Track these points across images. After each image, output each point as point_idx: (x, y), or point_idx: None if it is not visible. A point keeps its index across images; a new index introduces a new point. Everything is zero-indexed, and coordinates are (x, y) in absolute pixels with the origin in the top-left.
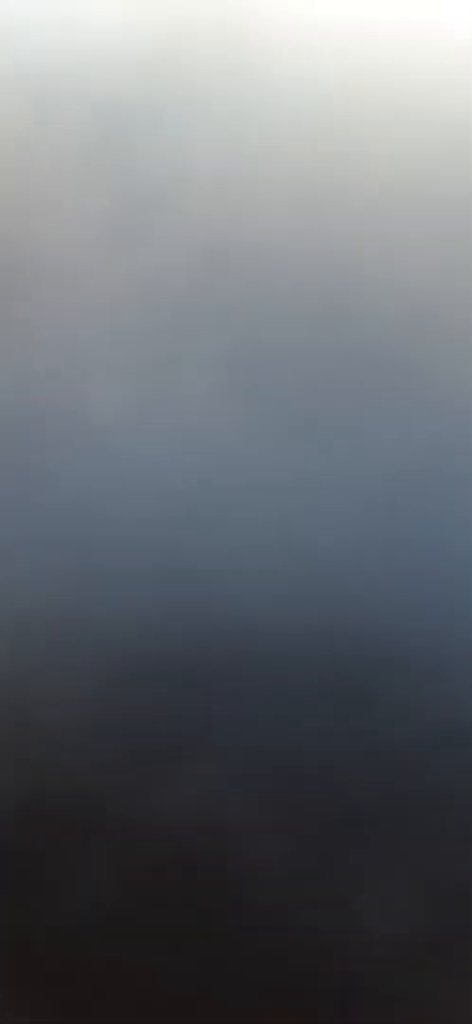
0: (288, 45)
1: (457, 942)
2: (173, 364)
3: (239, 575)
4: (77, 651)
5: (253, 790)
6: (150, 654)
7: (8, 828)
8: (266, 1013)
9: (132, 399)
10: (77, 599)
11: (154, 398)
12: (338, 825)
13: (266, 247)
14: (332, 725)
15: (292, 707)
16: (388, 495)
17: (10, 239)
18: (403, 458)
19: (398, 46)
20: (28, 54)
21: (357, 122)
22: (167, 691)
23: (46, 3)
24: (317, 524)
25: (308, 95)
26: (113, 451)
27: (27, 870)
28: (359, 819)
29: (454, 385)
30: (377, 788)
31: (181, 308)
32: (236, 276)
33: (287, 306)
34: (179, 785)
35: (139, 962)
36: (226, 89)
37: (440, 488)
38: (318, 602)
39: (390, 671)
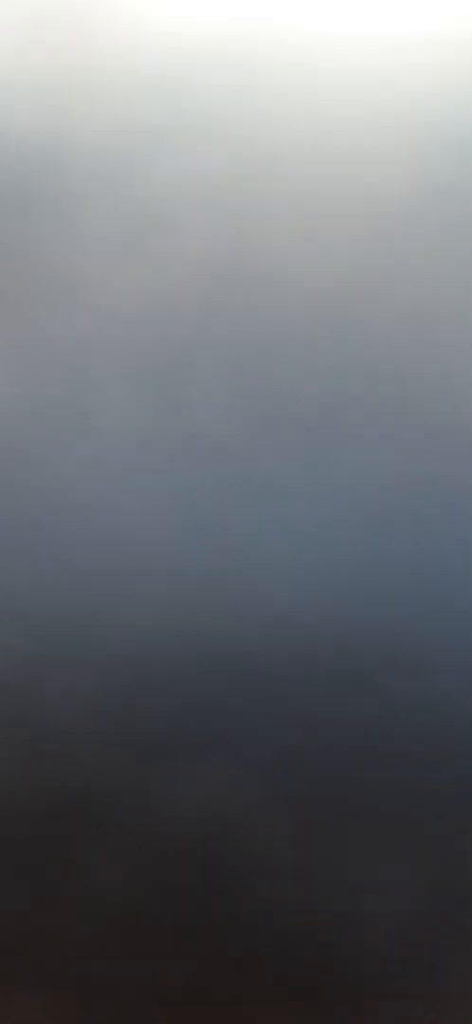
0: (294, 65)
1: (456, 935)
2: (179, 377)
3: (244, 579)
4: (88, 650)
5: (260, 785)
6: (159, 654)
7: (17, 821)
8: (269, 1003)
9: (139, 410)
10: (88, 600)
11: (161, 410)
12: (342, 820)
13: (272, 264)
14: (334, 722)
15: (297, 704)
16: (387, 503)
17: (19, 251)
18: (401, 468)
19: (404, 66)
20: (42, 68)
21: (360, 142)
22: (176, 690)
23: (64, 20)
24: (319, 531)
25: (314, 115)
26: (120, 460)
27: (36, 860)
28: (362, 814)
29: (451, 399)
30: (379, 783)
31: (187, 323)
32: (242, 292)
33: (292, 322)
34: (188, 780)
35: (146, 952)
36: (233, 108)
37: (437, 495)
38: (319, 604)
39: (391, 669)
